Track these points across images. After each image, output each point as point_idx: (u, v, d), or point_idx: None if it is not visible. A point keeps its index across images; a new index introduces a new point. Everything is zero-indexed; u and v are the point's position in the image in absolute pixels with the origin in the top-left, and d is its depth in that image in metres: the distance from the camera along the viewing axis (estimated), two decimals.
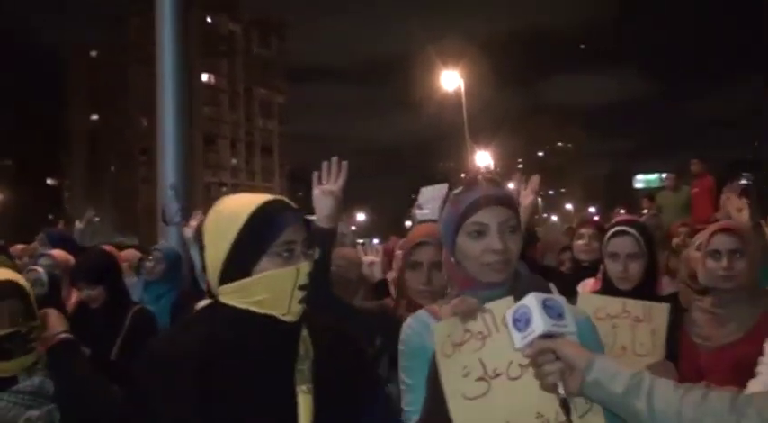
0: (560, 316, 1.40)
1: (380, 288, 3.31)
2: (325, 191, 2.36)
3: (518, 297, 1.43)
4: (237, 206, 1.54)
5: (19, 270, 3.27)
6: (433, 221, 2.38)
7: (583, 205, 72.71)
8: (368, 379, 1.73)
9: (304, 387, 1.52)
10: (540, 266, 4.47)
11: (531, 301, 1.40)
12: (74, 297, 3.88)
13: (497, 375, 1.49)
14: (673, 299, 2.71)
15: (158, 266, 4.57)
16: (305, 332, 1.59)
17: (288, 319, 1.52)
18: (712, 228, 2.65)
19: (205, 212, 1.63)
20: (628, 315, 2.45)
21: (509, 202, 1.61)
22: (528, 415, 1.46)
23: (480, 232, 1.58)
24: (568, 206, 78.41)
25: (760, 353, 2.06)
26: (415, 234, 2.49)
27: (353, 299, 3.13)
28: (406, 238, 2.61)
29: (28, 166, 60.26)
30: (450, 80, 26.86)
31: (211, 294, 1.58)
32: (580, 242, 3.86)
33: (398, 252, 3.03)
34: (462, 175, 1.69)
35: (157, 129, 6.56)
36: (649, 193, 11.24)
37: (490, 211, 1.57)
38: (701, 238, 3.17)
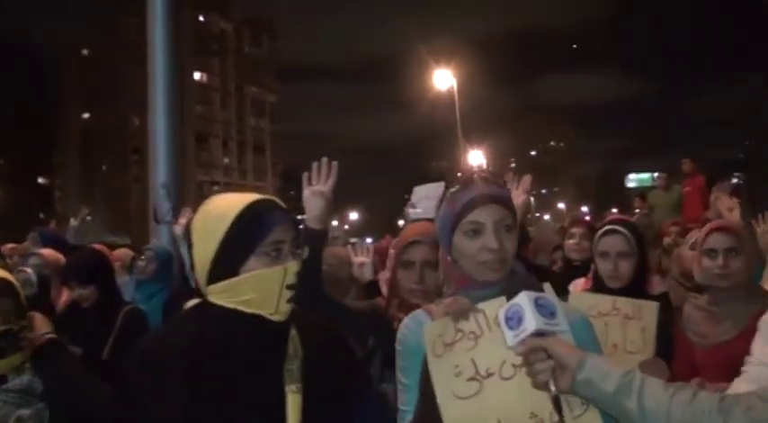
0: (552, 315, 1.40)
1: (372, 288, 3.30)
2: (315, 191, 2.35)
3: (510, 296, 1.43)
4: (226, 205, 1.54)
5: (9, 269, 3.25)
6: (427, 220, 2.37)
7: (575, 204, 73.03)
8: (358, 378, 1.72)
9: (293, 387, 1.51)
10: (531, 266, 4.47)
11: (524, 299, 1.39)
12: (65, 296, 3.87)
13: (490, 375, 1.48)
14: (663, 298, 2.72)
15: (150, 266, 4.55)
16: (294, 331, 1.59)
17: (276, 318, 1.52)
18: (708, 226, 2.65)
19: (195, 210, 1.62)
20: (618, 313, 2.46)
21: (505, 201, 1.61)
22: (521, 415, 1.46)
23: (476, 231, 1.57)
24: (561, 205, 78.55)
25: None
26: (407, 233, 2.47)
27: (345, 298, 3.12)
28: (399, 237, 2.60)
29: (19, 165, 59.95)
30: (443, 79, 26.87)
31: (200, 293, 1.57)
32: (571, 241, 3.86)
33: (392, 251, 3.02)
34: (459, 174, 1.68)
35: (149, 128, 6.56)
36: (641, 193, 11.26)
37: (486, 210, 1.57)
38: (695, 236, 3.18)
